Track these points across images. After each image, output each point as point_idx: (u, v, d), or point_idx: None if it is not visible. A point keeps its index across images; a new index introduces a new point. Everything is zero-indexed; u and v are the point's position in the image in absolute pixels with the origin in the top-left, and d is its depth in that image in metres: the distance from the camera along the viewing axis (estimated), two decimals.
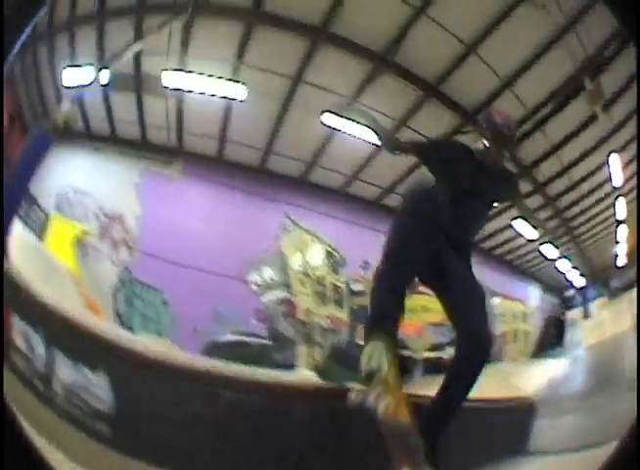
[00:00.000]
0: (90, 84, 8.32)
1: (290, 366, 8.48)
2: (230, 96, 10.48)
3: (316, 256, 10.62)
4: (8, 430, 1.17)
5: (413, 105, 9.61)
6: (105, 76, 7.99)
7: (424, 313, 7.39)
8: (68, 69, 9.00)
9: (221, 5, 9.94)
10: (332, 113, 9.84)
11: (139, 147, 14.54)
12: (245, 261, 10.34)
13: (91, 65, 9.41)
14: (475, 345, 3.22)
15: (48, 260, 9.84)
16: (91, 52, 9.34)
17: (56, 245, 11.35)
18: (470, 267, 3.56)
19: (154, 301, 11.20)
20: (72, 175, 11.18)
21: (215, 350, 9.70)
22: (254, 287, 10.36)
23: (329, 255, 10.64)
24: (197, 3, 9.32)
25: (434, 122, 9.32)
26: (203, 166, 12.92)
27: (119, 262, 12.05)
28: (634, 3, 1.39)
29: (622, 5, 1.45)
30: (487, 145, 3.76)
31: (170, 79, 10.82)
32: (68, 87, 7.90)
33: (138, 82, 12.36)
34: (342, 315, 9.34)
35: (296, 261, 10.74)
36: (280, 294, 10.33)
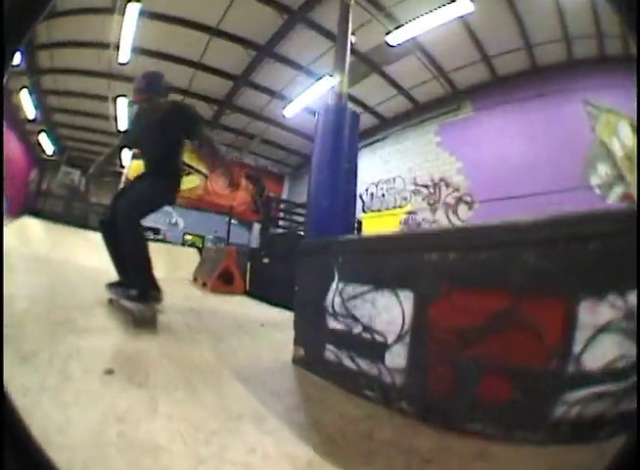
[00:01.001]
0: None
1: None
2: (461, 13, 10.08)
3: (627, 133, 9.52)
4: (7, 431, 0.99)
5: None
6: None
7: None
8: None
9: None
10: None
11: (420, 112, 14.60)
12: (581, 166, 9.94)
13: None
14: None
15: None
16: None
17: None
18: (149, 179, 4.71)
19: None
20: (364, 173, 11.25)
21: None
22: (599, 191, 9.54)
23: (632, 127, 9.44)
24: None
25: None
26: (488, 95, 12.66)
27: (465, 221, 11.94)
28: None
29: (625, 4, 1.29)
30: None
31: (397, 37, 10.74)
32: None
33: (370, 60, 12.43)
34: None
35: (616, 146, 9.81)
36: (618, 190, 9.44)
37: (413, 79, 13.56)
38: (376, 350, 2.66)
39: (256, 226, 18.54)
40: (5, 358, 1.32)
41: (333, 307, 3.10)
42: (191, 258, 13.02)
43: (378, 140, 15.96)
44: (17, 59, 13.66)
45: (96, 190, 21.08)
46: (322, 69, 12.84)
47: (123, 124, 18.73)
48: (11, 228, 11.71)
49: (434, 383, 2.31)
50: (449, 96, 13.64)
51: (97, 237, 10.30)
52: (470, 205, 12.36)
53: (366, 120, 15.39)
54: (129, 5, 11.17)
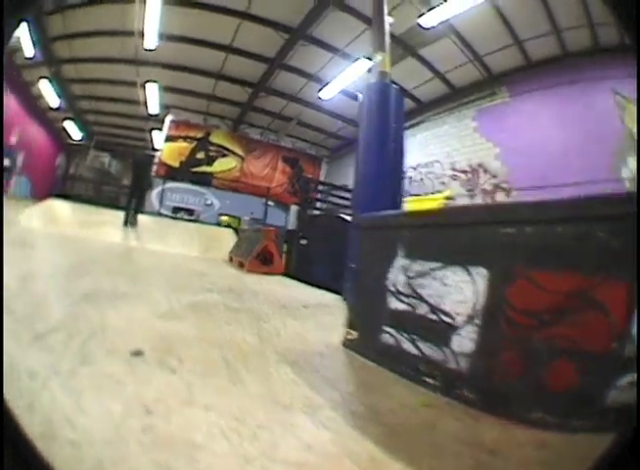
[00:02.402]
0: None
1: None
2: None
3: None
4: (7, 431, 0.98)
5: None
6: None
7: None
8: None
9: None
10: None
11: (456, 96, 14.51)
12: (612, 158, 9.48)
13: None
14: None
15: None
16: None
17: None
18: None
19: None
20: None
21: None
22: (629, 184, 9.14)
23: None
24: None
25: None
26: (522, 81, 12.38)
27: None
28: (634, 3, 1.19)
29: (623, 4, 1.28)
30: None
31: (430, 20, 10.69)
32: None
33: (405, 42, 12.53)
34: None
35: None
36: None
37: (448, 63, 13.38)
38: (442, 332, 2.41)
39: (294, 208, 18.52)
40: (12, 339, 1.51)
41: (395, 286, 2.82)
42: (226, 238, 12.74)
43: (416, 124, 15.57)
44: (30, 52, 14.08)
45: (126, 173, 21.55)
46: (358, 51, 12.65)
47: (154, 108, 19.13)
48: (35, 210, 11.71)
49: (502, 369, 2.13)
50: (485, 80, 13.46)
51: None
52: (507, 192, 11.96)
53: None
54: None
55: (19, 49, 14.47)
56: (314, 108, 17.77)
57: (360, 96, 6.44)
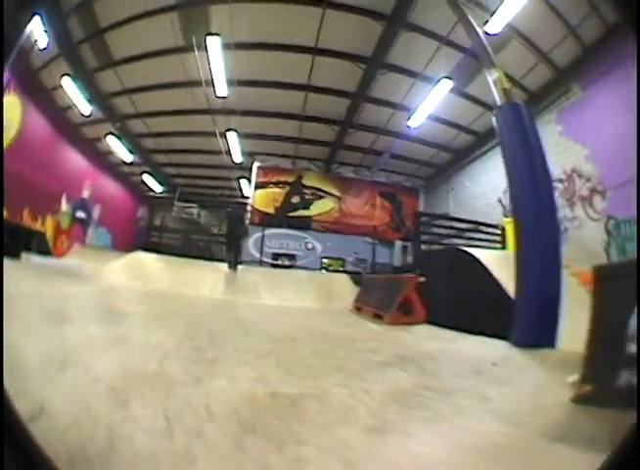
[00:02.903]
0: None
1: None
2: None
3: None
4: (7, 431, 0.98)
5: None
6: None
7: None
8: None
9: None
10: None
11: (533, 103, 13.82)
12: None
13: None
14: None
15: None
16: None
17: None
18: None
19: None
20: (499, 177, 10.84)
21: None
22: None
23: None
24: None
25: None
26: (588, 70, 12.01)
27: (601, 213, 11.42)
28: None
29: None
30: None
31: (495, 25, 10.51)
32: None
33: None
34: None
35: None
36: None
37: (521, 68, 13.17)
38: None
39: (398, 244, 18.54)
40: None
41: (634, 332, 2.87)
42: (340, 284, 12.14)
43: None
44: (85, 109, 14.51)
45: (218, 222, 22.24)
46: (437, 72, 12.64)
47: (238, 157, 19.34)
48: (120, 263, 11.60)
49: None
50: (556, 79, 13.25)
51: (221, 267, 12.45)
52: (602, 194, 11.40)
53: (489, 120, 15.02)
54: (209, 39, 11.24)
55: (71, 107, 15.08)
56: (405, 138, 17.53)
57: (494, 121, 6.16)
